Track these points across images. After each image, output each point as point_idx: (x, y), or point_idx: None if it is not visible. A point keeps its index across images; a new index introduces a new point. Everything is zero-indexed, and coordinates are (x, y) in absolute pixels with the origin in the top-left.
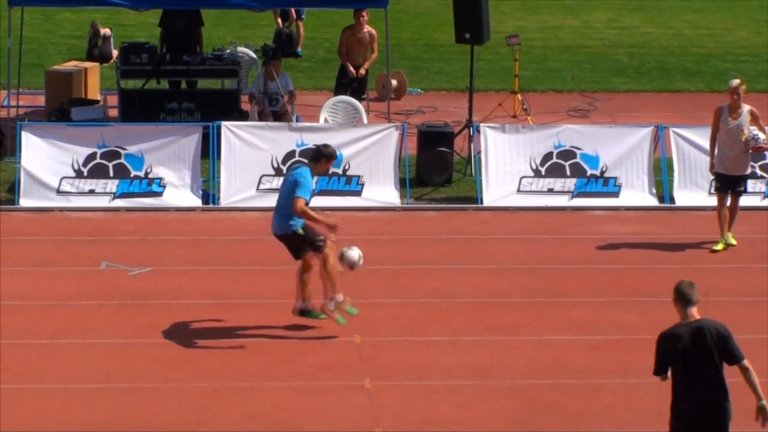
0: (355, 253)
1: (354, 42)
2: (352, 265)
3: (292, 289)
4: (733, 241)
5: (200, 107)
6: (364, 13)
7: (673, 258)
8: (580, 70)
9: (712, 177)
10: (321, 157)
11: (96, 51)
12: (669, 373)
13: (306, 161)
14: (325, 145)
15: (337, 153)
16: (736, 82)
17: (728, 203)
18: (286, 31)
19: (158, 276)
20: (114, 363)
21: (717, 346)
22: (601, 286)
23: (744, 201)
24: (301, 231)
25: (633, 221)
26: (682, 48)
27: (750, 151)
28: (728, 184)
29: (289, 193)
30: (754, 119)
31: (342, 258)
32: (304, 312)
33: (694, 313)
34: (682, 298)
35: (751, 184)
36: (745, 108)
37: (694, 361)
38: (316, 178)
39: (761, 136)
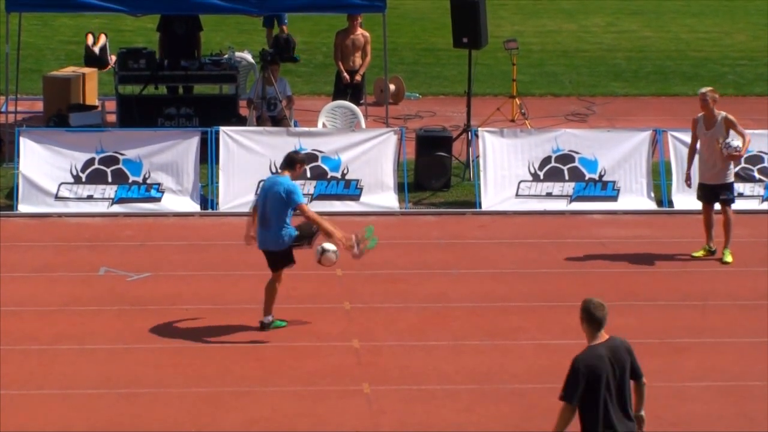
0: (332, 253)
1: (348, 45)
2: (323, 254)
3: (290, 294)
4: (729, 259)
5: (198, 112)
6: (358, 16)
7: (672, 262)
8: (578, 74)
9: (687, 188)
10: (296, 163)
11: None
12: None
13: (280, 171)
14: (295, 152)
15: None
16: (702, 90)
17: (714, 212)
18: (284, 35)
19: (157, 281)
20: (113, 368)
21: (629, 362)
22: (599, 290)
23: (742, 205)
24: (292, 242)
25: (631, 225)
26: (680, 52)
27: (728, 159)
28: (710, 193)
29: (282, 205)
30: (731, 125)
31: (322, 252)
32: (268, 325)
33: (604, 333)
34: (595, 321)
35: (749, 188)
36: (720, 116)
37: (613, 381)
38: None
39: (733, 143)
